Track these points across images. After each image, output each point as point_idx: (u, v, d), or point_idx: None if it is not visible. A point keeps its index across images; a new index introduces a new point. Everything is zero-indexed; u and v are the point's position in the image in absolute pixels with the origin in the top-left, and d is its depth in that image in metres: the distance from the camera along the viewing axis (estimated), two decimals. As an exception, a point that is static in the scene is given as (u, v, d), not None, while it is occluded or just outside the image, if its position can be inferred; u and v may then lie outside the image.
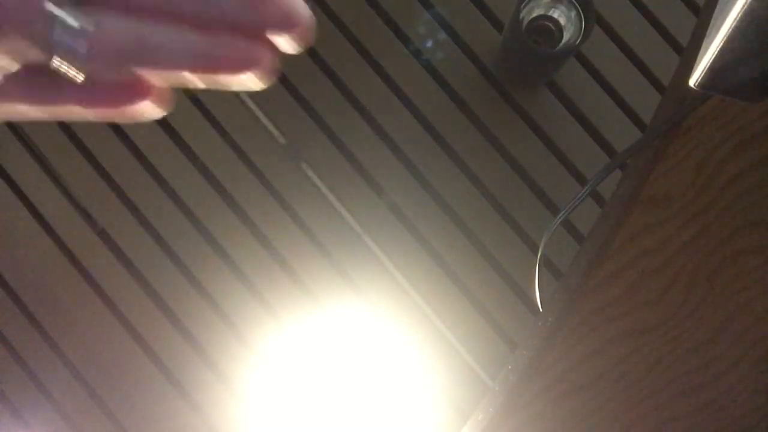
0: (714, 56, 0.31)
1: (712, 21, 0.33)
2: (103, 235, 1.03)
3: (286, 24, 0.22)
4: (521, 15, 0.91)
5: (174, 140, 1.04)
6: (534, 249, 1.03)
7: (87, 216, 1.03)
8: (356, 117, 1.03)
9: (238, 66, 0.22)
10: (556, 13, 0.94)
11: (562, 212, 0.46)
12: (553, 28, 0.95)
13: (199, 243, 1.02)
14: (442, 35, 1.05)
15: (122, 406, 1.01)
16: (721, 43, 0.30)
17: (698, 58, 0.33)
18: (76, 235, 1.03)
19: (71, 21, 0.19)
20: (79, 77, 0.21)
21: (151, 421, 1.01)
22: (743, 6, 0.28)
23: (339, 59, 1.05)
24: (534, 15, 0.94)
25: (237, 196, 1.03)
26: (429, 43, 1.05)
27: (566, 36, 0.93)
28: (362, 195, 1.02)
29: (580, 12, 0.89)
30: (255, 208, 1.03)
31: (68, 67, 0.20)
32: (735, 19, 0.29)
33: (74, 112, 0.22)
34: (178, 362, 1.01)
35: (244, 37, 0.22)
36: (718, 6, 0.33)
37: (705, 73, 0.32)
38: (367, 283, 1.02)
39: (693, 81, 0.33)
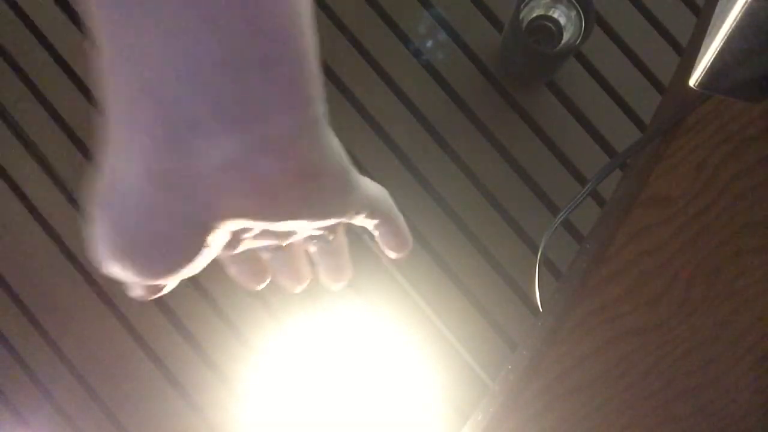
0: (714, 56, 0.31)
1: (712, 21, 0.33)
2: (103, 235, 1.03)
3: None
4: (521, 15, 0.91)
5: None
6: (534, 249, 1.03)
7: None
8: (356, 117, 1.03)
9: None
10: (556, 13, 0.94)
11: (562, 212, 0.46)
12: (553, 28, 0.95)
13: (199, 243, 1.02)
14: (442, 35, 1.05)
15: (122, 406, 1.01)
16: (721, 43, 0.30)
17: (698, 58, 0.33)
18: (76, 236, 1.03)
19: None
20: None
21: (151, 421, 1.01)
22: (743, 6, 0.28)
23: (339, 59, 1.05)
24: (534, 15, 0.94)
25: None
26: (429, 43, 1.05)
27: (566, 36, 0.93)
28: (362, 195, 1.02)
29: (580, 12, 0.89)
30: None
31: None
32: (735, 19, 0.29)
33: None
34: (178, 362, 1.01)
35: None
36: (718, 6, 0.33)
37: (705, 73, 0.32)
38: (367, 284, 1.02)
39: (693, 81, 0.33)
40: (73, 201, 1.04)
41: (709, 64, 0.31)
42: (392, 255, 0.33)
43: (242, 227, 0.22)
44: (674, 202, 0.44)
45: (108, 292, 1.02)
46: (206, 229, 0.20)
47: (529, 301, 1.00)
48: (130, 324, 1.02)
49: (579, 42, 0.88)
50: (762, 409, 0.43)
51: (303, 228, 0.25)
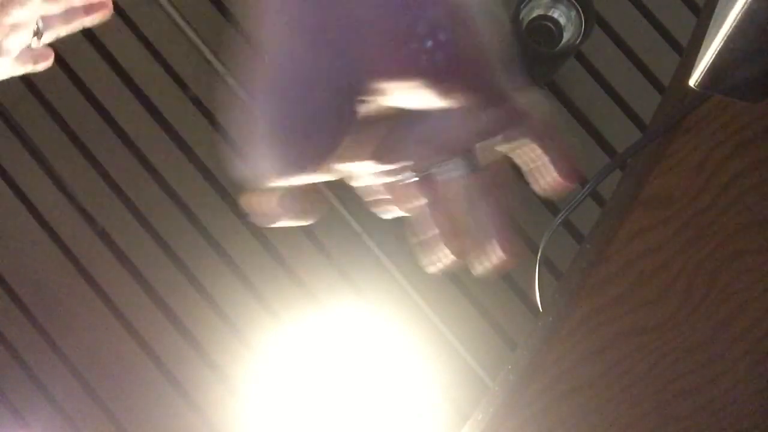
0: (714, 56, 0.31)
1: (712, 21, 0.33)
2: (103, 235, 1.03)
3: None
4: (521, 15, 0.91)
5: (175, 141, 1.04)
6: (534, 249, 1.02)
7: (87, 216, 1.03)
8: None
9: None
10: (556, 13, 0.94)
11: (562, 212, 0.46)
12: (553, 28, 0.94)
13: (199, 243, 1.02)
14: (442, 35, 1.05)
15: (122, 406, 1.01)
16: (721, 43, 0.30)
17: (698, 58, 0.33)
18: (76, 235, 1.03)
19: None
20: None
21: (151, 421, 1.01)
22: (743, 6, 0.28)
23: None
24: (534, 15, 0.94)
25: (237, 196, 1.03)
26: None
27: (566, 36, 0.93)
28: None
29: (580, 12, 0.89)
30: (255, 208, 1.03)
31: None
32: (735, 19, 0.29)
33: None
34: (178, 362, 1.01)
35: None
36: (718, 6, 0.33)
37: (705, 73, 0.32)
38: (367, 284, 1.01)
39: (693, 81, 0.33)
40: (73, 201, 1.04)
41: (709, 64, 0.31)
42: (561, 185, 0.28)
43: (384, 103, 0.23)
44: (674, 202, 0.44)
45: (108, 292, 1.02)
46: (353, 92, 0.22)
47: (529, 301, 1.00)
48: (130, 324, 1.02)
49: (579, 42, 0.88)
50: (762, 409, 0.43)
51: (450, 121, 0.25)
